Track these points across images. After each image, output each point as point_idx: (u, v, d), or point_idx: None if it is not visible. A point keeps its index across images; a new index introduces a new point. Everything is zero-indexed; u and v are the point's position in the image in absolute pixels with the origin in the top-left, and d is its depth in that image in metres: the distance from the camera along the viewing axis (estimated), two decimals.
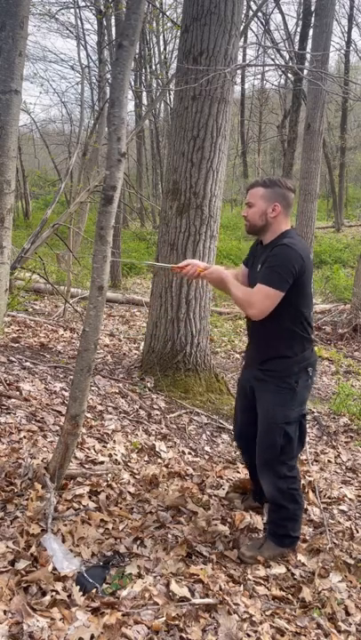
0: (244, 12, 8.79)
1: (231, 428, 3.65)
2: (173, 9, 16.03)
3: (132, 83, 18.13)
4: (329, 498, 2.93)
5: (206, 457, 3.22)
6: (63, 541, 2.08)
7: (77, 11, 9.24)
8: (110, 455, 2.89)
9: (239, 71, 15.26)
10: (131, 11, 1.97)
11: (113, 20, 12.16)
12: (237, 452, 3.20)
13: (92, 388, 3.75)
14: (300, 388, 2.21)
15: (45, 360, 4.28)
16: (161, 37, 18.67)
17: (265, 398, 2.25)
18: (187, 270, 2.36)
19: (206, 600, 1.93)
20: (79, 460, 2.72)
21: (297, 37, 13.63)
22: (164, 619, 1.79)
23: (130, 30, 1.96)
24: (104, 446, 2.98)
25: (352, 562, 2.35)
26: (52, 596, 1.79)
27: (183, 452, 3.19)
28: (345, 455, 3.57)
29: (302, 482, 2.97)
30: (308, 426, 4.04)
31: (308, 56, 9.29)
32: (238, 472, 3.03)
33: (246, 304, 2.11)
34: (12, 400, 3.23)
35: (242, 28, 7.43)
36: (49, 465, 2.41)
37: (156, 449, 3.11)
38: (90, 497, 2.41)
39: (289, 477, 2.25)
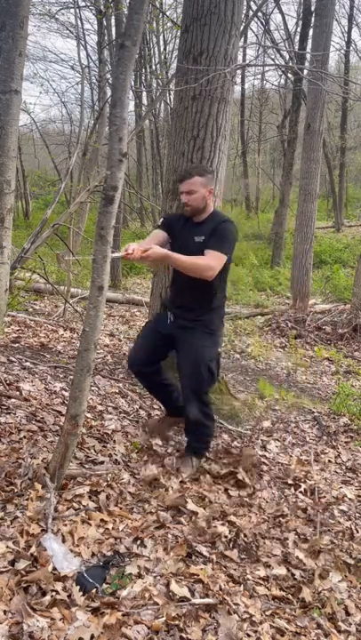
0: (244, 12, 8.79)
1: (231, 427, 3.66)
2: (173, 9, 16.03)
3: (132, 83, 18.12)
4: (329, 498, 2.93)
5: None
6: (63, 541, 2.08)
7: (77, 11, 9.23)
8: (110, 455, 2.89)
9: (239, 71, 15.27)
10: (133, 11, 1.96)
11: (113, 20, 12.16)
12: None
13: (92, 388, 3.76)
14: (219, 334, 2.90)
15: (45, 360, 4.28)
16: (161, 37, 18.68)
17: (193, 342, 2.78)
18: (133, 255, 2.52)
19: (206, 600, 1.93)
20: (79, 460, 2.72)
21: (297, 37, 13.62)
22: (164, 619, 1.79)
23: (132, 30, 1.96)
24: (104, 446, 2.98)
25: (352, 562, 2.35)
26: (52, 596, 1.79)
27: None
28: (345, 455, 3.57)
29: (303, 486, 2.97)
30: (307, 426, 4.05)
31: (308, 56, 9.30)
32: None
33: (207, 267, 2.57)
34: (12, 400, 3.23)
35: (242, 28, 7.43)
36: (49, 465, 2.41)
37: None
38: (90, 497, 2.41)
39: (209, 403, 2.95)
